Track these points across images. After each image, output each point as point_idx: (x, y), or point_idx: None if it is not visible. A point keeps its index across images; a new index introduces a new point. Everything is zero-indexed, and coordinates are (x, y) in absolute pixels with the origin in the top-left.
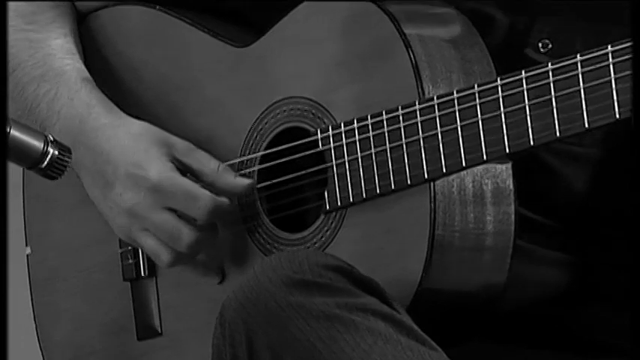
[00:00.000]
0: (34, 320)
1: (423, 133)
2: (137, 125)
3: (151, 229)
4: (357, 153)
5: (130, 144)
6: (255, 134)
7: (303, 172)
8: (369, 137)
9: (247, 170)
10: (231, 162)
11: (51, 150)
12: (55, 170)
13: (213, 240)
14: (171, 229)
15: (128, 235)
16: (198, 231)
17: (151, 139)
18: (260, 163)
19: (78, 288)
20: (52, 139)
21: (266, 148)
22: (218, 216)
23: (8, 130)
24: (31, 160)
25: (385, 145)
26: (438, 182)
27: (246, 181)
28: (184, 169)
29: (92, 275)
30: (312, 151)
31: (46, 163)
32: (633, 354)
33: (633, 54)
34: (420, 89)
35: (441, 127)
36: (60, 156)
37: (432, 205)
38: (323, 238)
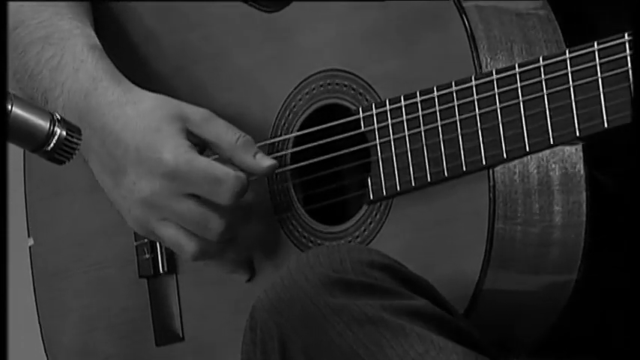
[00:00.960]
0: (38, 321)
1: (480, 112)
2: (148, 100)
3: (171, 218)
4: (404, 135)
5: (140, 123)
6: (287, 113)
7: (343, 151)
8: (419, 117)
9: (279, 154)
10: (261, 144)
11: (58, 130)
12: (62, 153)
13: (244, 225)
14: (198, 217)
15: (145, 227)
16: (228, 216)
17: (164, 116)
18: (293, 146)
19: (88, 285)
20: (59, 117)
21: (300, 129)
22: (243, 195)
23: (10, 107)
24: (35, 141)
25: (437, 126)
26: (497, 169)
27: (267, 163)
28: (201, 144)
29: (104, 271)
30: (354, 133)
31: (52, 145)
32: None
33: (633, 54)
34: (476, 62)
35: (500, 106)
36: (68, 137)
37: (491, 194)
38: (366, 232)
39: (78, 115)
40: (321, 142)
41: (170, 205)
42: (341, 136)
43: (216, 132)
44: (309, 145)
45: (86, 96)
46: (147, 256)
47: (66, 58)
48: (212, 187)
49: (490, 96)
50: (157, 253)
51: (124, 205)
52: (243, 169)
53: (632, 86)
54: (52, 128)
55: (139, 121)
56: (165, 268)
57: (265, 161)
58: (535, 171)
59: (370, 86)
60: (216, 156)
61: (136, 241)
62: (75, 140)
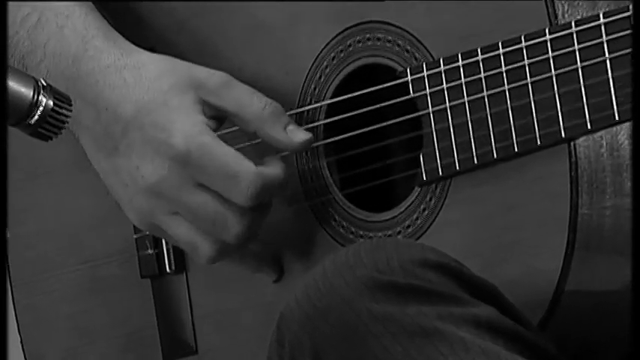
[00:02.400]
0: (18, 331)
1: (556, 73)
2: (152, 64)
3: (183, 213)
4: (463, 102)
5: (143, 94)
6: (318, 75)
7: (388, 122)
8: (481, 79)
9: (309, 126)
10: (287, 114)
11: (44, 99)
12: (49, 127)
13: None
14: (214, 214)
15: (149, 222)
16: (249, 215)
17: (173, 85)
18: (326, 117)
19: (78, 287)
20: (44, 83)
21: (334, 95)
22: (268, 196)
23: None
24: (16, 113)
25: (503, 90)
26: (579, 142)
27: (301, 136)
28: (220, 116)
29: (98, 269)
30: (401, 100)
31: (37, 117)
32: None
33: (633, 53)
34: (550, 12)
35: (582, 64)
36: (56, 107)
37: (573, 173)
38: (419, 220)
39: (65, 84)
40: (360, 111)
41: (181, 196)
42: (385, 104)
43: (237, 100)
44: (346, 115)
45: (75, 60)
46: (150, 251)
47: (47, 14)
48: (227, 183)
49: (569, 53)
50: (162, 247)
51: (125, 195)
52: (273, 144)
53: (632, 85)
54: (36, 97)
55: (142, 91)
56: (173, 266)
57: (299, 134)
58: (627, 142)
59: (420, 42)
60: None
61: (135, 233)
62: (64, 112)
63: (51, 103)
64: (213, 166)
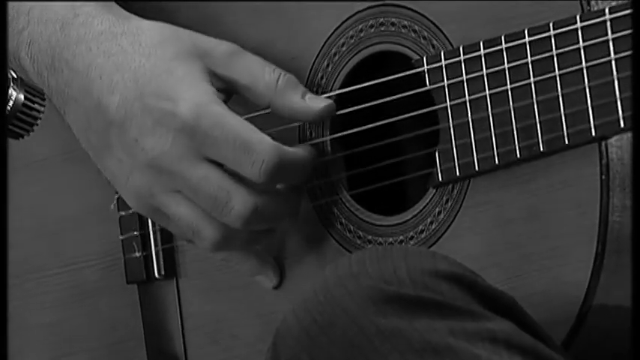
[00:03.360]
0: None
1: (587, 65)
2: (152, 31)
3: (184, 189)
4: (484, 95)
5: (143, 61)
6: (326, 63)
7: (401, 117)
8: (504, 70)
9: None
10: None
11: (14, 93)
12: (20, 124)
13: (288, 214)
14: (216, 189)
15: (147, 202)
16: (257, 195)
17: (177, 52)
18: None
19: (59, 292)
20: (14, 76)
21: (343, 85)
22: (285, 176)
23: None
24: None
25: (529, 83)
26: (612, 141)
27: (321, 103)
28: (228, 89)
29: (80, 274)
30: (416, 91)
31: (6, 112)
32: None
33: (633, 53)
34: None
35: (616, 56)
36: (28, 102)
37: (604, 176)
38: (434, 225)
39: (51, 53)
40: (371, 103)
41: (183, 170)
42: (398, 97)
43: (248, 70)
44: (357, 107)
45: (63, 26)
46: (137, 254)
47: None
48: (239, 155)
49: (601, 43)
50: (151, 250)
51: (120, 172)
52: (291, 116)
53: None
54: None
55: (143, 57)
56: (162, 271)
57: (319, 101)
58: None
59: (438, 28)
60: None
61: (122, 234)
62: (36, 107)
63: (22, 97)
64: (224, 137)
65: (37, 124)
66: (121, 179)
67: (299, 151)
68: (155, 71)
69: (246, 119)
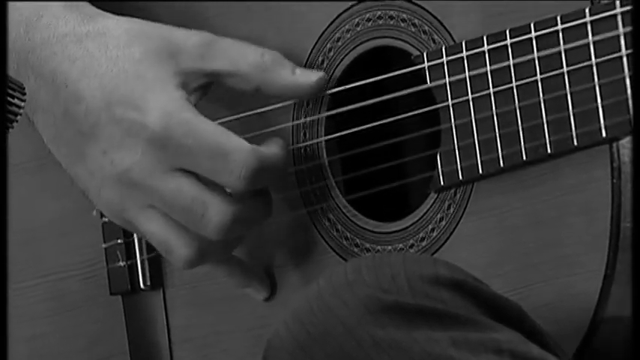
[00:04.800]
0: None
1: (597, 62)
2: (118, 29)
3: (157, 204)
4: (488, 93)
5: (110, 66)
6: (320, 59)
7: (401, 116)
8: (509, 67)
9: (310, 118)
10: (281, 105)
11: None
12: None
13: (262, 215)
14: (191, 201)
15: (121, 215)
16: (234, 204)
17: (147, 51)
18: (329, 108)
19: (39, 304)
20: None
21: (339, 83)
22: (263, 180)
23: None
24: None
25: (535, 80)
26: (623, 142)
27: (313, 76)
28: (212, 82)
29: (61, 284)
30: (415, 89)
31: None
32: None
33: (633, 53)
34: None
35: (628, 52)
36: (7, 97)
37: (615, 180)
38: (435, 232)
39: (16, 58)
40: (368, 102)
41: (155, 184)
42: (397, 94)
43: (226, 56)
44: (352, 106)
45: (27, 28)
46: (121, 263)
47: None
48: (215, 163)
49: (611, 38)
50: (136, 259)
51: (92, 185)
52: (282, 93)
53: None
54: None
55: (109, 62)
56: (148, 281)
57: (310, 75)
58: None
59: (439, 21)
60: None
61: (105, 242)
62: (16, 102)
63: None
64: (198, 145)
65: (17, 121)
66: (93, 192)
67: (275, 150)
68: (122, 77)
69: (232, 122)
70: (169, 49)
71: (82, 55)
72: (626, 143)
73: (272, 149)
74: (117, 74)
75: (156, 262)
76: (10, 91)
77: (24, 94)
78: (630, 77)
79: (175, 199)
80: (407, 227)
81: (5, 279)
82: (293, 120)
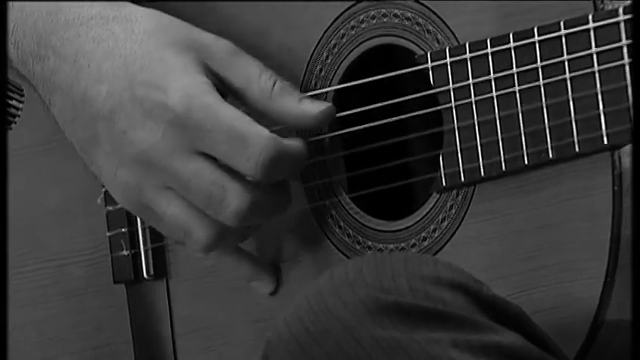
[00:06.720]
0: None
1: (600, 69)
2: (147, 18)
3: (175, 185)
4: (492, 96)
5: (135, 49)
6: (325, 55)
7: (404, 116)
8: (512, 71)
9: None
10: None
11: None
12: None
13: (280, 207)
14: (210, 185)
15: (137, 199)
16: (254, 191)
17: (172, 41)
18: (334, 104)
19: (43, 288)
20: None
21: (343, 79)
22: (282, 170)
23: None
24: None
25: (538, 85)
26: (625, 150)
27: (319, 107)
28: (222, 90)
29: (66, 269)
30: (420, 95)
31: None
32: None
33: (633, 54)
34: None
35: (630, 61)
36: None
37: (616, 187)
38: (437, 232)
39: (37, 39)
40: (372, 106)
41: (174, 165)
42: (401, 99)
43: (244, 72)
44: (356, 105)
45: (50, 10)
46: (125, 252)
47: None
48: (233, 148)
49: (614, 46)
50: (140, 248)
51: (108, 167)
52: (287, 122)
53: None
54: None
55: (134, 44)
56: (152, 271)
57: (316, 105)
58: None
59: (444, 22)
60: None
61: (109, 230)
62: (14, 103)
63: None
64: (218, 129)
65: (15, 122)
66: (109, 174)
67: (296, 143)
68: (146, 59)
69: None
70: (195, 44)
71: (107, 37)
72: (627, 150)
73: (293, 141)
74: (141, 56)
75: (160, 252)
76: (9, 93)
77: (22, 95)
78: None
79: (194, 181)
80: (409, 226)
81: (5, 279)
82: None
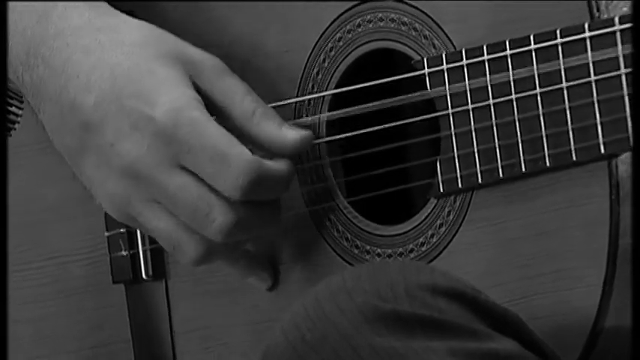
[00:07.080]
0: None
1: (596, 79)
2: (136, 29)
3: (162, 200)
4: (488, 104)
5: (122, 60)
6: (322, 58)
7: (401, 122)
8: (509, 78)
9: (309, 119)
10: (282, 103)
11: None
12: None
13: (267, 224)
14: (196, 199)
15: (124, 211)
16: (238, 208)
17: (160, 54)
18: (330, 109)
19: (43, 287)
20: None
21: (340, 84)
22: (262, 193)
23: None
24: None
25: (535, 94)
26: (622, 158)
27: (300, 134)
28: (208, 106)
29: (65, 267)
30: (417, 99)
31: None
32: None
33: (633, 54)
34: (592, 3)
35: (627, 71)
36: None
37: (614, 196)
38: (434, 238)
39: (26, 48)
40: (369, 108)
41: (159, 178)
42: (398, 100)
43: (229, 92)
44: (352, 108)
45: (41, 19)
46: (124, 252)
47: None
48: (214, 167)
49: (611, 56)
50: (138, 249)
51: (96, 178)
52: (265, 145)
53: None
54: None
55: (123, 56)
56: (150, 272)
57: (294, 132)
58: None
59: (440, 27)
60: None
61: (108, 230)
62: (14, 110)
63: None
64: (201, 145)
65: (14, 128)
66: (97, 186)
67: (279, 166)
68: (134, 71)
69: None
70: (183, 58)
71: (96, 48)
72: (624, 159)
73: (277, 164)
74: (129, 67)
75: (158, 252)
76: (9, 100)
77: (21, 102)
78: (629, 95)
79: (180, 195)
80: (407, 231)
81: (5, 279)
82: (293, 116)
